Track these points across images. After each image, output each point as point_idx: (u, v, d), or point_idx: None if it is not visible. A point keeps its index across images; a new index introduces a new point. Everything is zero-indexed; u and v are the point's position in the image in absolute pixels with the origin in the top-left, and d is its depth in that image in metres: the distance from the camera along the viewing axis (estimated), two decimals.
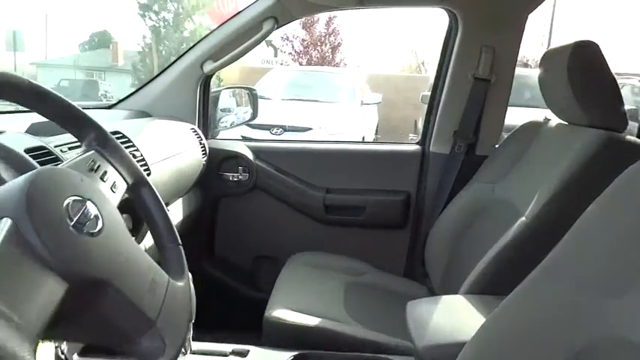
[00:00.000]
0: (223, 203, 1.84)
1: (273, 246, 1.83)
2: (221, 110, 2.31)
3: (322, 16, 15.22)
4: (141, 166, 1.15)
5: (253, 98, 2.11)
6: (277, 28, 1.66)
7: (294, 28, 15.53)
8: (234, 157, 1.78)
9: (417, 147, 1.81)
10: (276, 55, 15.57)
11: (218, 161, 1.77)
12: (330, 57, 15.48)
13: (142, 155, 1.16)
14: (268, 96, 6.87)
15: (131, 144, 1.16)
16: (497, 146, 1.63)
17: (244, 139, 5.78)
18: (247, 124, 6.45)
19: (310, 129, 6.02)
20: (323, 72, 9.11)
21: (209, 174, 1.74)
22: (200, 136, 1.71)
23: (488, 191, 1.42)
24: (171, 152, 1.44)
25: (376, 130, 8.34)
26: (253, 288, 1.84)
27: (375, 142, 2.04)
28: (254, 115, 2.16)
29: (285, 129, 5.89)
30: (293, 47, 15.66)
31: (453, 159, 1.69)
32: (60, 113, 0.67)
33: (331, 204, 1.77)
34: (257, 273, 1.87)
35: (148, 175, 1.15)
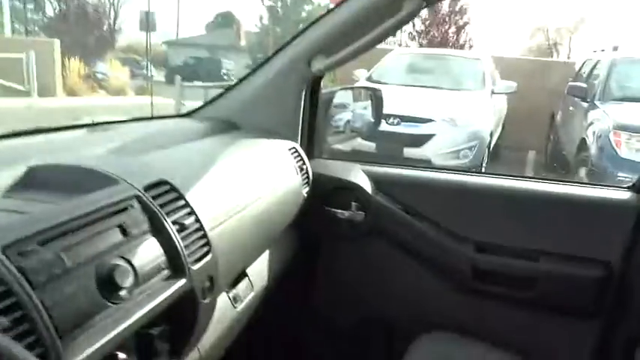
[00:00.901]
0: (327, 248, 1.36)
1: (393, 316, 1.32)
2: (334, 107, 1.84)
3: None
4: (197, 239, 0.70)
5: (376, 102, 1.58)
6: (426, 7, 1.11)
7: None
8: (347, 189, 1.28)
9: (628, 194, 1.17)
10: (394, 35, 14.71)
11: (325, 192, 1.29)
12: (454, 38, 14.25)
13: (197, 220, 0.71)
14: (385, 80, 6.30)
15: (182, 203, 0.70)
16: None
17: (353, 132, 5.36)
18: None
19: (431, 120, 5.34)
20: (448, 55, 8.17)
21: (312, 208, 1.27)
22: (302, 159, 1.23)
23: None
24: (258, 192, 0.98)
25: (503, 125, 7.28)
26: None
27: (556, 180, 1.39)
28: (376, 123, 1.64)
29: (402, 119, 5.28)
30: (413, 26, 14.65)
31: None
32: None
33: (484, 268, 1.21)
34: (366, 345, 1.38)
35: (206, 253, 0.70)
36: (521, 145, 7.68)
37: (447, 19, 14.20)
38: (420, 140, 5.26)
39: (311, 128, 1.33)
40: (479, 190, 1.28)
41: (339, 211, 1.28)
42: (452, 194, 1.28)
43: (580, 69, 6.90)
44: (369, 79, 6.43)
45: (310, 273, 1.37)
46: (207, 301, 0.70)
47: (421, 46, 13.54)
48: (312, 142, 1.35)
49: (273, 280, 1.17)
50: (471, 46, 14.15)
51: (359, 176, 1.30)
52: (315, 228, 1.32)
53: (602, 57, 6.10)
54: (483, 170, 5.21)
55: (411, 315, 1.29)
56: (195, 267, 0.67)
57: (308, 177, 1.24)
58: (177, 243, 0.64)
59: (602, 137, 4.45)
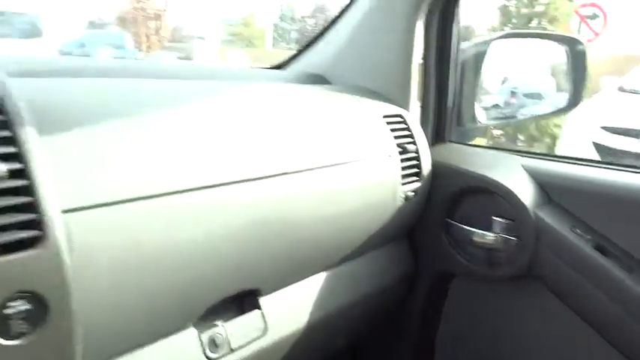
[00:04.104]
0: (443, 292, 0.83)
1: None
2: (525, 96, 1.31)
3: None
4: None
5: (574, 60, 0.95)
6: None
7: None
8: (486, 193, 0.74)
9: None
10: None
11: (449, 196, 0.77)
12: None
13: None
14: None
15: None
16: None
17: (597, 147, 4.24)
18: (605, 127, 4.74)
19: None
20: None
21: (425, 221, 0.78)
22: (409, 133, 0.75)
23: None
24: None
25: None
26: None
27: None
28: (572, 102, 1.00)
29: None
30: None
31: None
32: None
33: None
34: None
35: None
36: None
37: None
38: None
39: (442, 91, 0.83)
40: None
41: (472, 229, 0.75)
42: None
43: None
44: (622, 88, 5.12)
45: (411, 329, 0.85)
46: None
47: None
48: (442, 115, 0.84)
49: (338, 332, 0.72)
50: None
51: (514, 174, 0.75)
52: (427, 256, 0.81)
53: None
54: None
55: None
56: None
57: (418, 166, 0.75)
58: None
59: None
